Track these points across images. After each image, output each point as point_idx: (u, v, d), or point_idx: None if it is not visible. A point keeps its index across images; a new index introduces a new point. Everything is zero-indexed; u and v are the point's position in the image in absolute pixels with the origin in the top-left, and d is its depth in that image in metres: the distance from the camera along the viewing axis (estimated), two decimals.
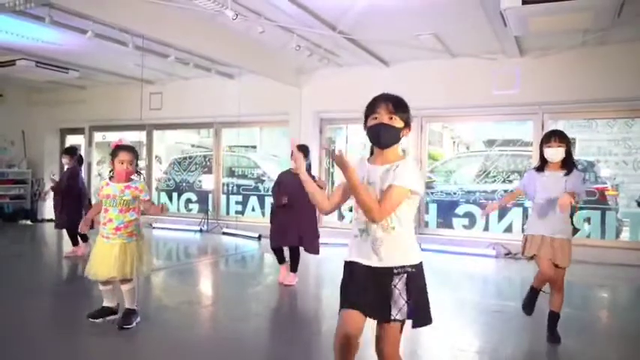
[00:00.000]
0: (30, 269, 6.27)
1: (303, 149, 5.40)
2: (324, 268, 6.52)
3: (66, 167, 7.05)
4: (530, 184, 3.79)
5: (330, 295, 5.07)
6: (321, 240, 5.54)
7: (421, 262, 2.20)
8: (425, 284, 2.21)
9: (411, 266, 2.15)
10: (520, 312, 3.95)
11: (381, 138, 2.18)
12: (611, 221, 7.25)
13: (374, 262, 2.16)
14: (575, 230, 7.19)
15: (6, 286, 5.18)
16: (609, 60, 6.72)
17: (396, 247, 2.15)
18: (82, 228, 4.08)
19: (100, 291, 3.92)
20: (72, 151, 7.04)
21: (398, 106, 2.18)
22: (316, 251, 5.36)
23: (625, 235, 7.43)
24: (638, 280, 6.27)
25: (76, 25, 6.05)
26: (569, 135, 3.84)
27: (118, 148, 3.75)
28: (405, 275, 2.13)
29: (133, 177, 3.81)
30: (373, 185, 2.18)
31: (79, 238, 6.80)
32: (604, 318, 4.84)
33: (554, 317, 3.72)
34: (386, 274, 2.13)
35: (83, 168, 7.53)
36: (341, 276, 2.30)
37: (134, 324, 3.81)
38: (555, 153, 3.61)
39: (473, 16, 5.63)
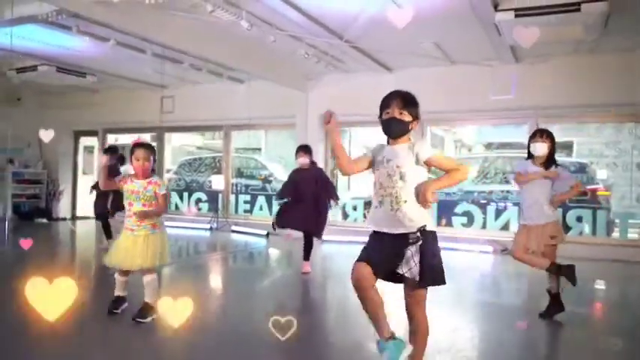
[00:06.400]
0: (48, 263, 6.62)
1: (307, 149, 5.85)
2: (331, 263, 6.87)
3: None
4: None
5: (337, 286, 5.42)
6: (327, 237, 5.91)
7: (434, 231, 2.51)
8: (438, 249, 2.48)
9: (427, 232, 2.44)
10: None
11: (392, 130, 2.59)
12: (602, 220, 7.62)
13: (396, 229, 2.44)
14: (568, 228, 7.57)
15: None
16: (600, 67, 7.12)
17: (412, 215, 2.43)
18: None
19: (114, 280, 4.04)
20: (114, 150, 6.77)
21: (407, 102, 2.58)
22: (319, 235, 5.83)
23: (616, 233, 7.77)
24: (628, 275, 6.58)
25: (100, 33, 6.39)
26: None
27: (135, 146, 4.03)
28: (420, 241, 2.42)
29: (152, 174, 4.03)
30: (391, 162, 2.51)
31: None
32: (598, 311, 5.02)
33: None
34: (403, 239, 2.42)
35: None
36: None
37: (149, 319, 3.84)
38: (540, 147, 4.00)
39: (470, 27, 6.01)
